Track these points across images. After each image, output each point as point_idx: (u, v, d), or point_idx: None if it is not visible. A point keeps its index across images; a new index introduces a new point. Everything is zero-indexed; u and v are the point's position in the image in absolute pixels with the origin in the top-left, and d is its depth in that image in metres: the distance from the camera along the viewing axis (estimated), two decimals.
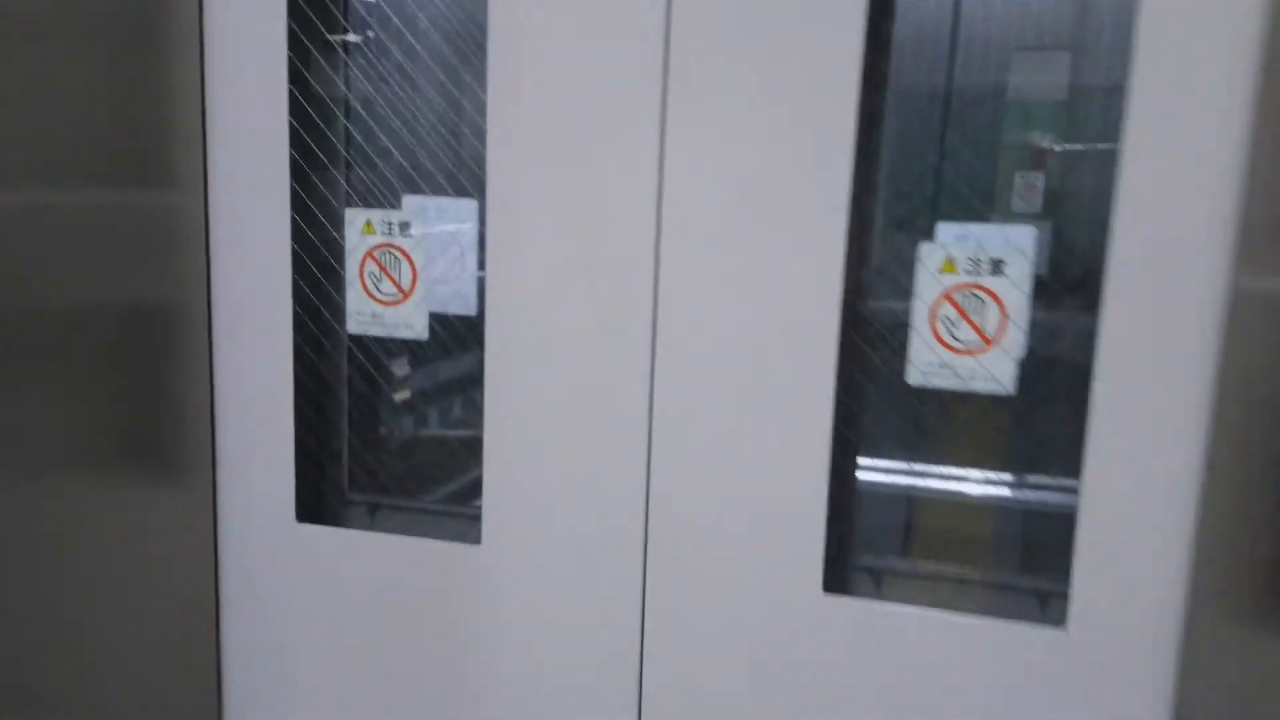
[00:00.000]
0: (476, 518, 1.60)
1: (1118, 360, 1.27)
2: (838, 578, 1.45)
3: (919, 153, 1.48)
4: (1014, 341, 1.31)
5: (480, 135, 1.57)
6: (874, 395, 1.47)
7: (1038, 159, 1.44)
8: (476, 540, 1.58)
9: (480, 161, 1.56)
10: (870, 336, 1.45)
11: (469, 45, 1.66)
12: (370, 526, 1.71)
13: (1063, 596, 1.34)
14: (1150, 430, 1.27)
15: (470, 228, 1.65)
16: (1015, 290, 1.30)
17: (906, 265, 1.37)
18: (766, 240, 1.38)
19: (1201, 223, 1.23)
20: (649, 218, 1.43)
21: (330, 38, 1.69)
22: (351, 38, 1.72)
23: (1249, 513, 1.22)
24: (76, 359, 1.50)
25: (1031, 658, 1.34)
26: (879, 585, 1.46)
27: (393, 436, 1.86)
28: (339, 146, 1.72)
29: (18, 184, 1.39)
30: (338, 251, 1.70)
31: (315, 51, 1.67)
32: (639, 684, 1.53)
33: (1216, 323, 1.24)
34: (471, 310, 1.66)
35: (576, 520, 1.51)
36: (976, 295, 1.31)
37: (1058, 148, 1.42)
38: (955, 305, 1.33)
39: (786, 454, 1.40)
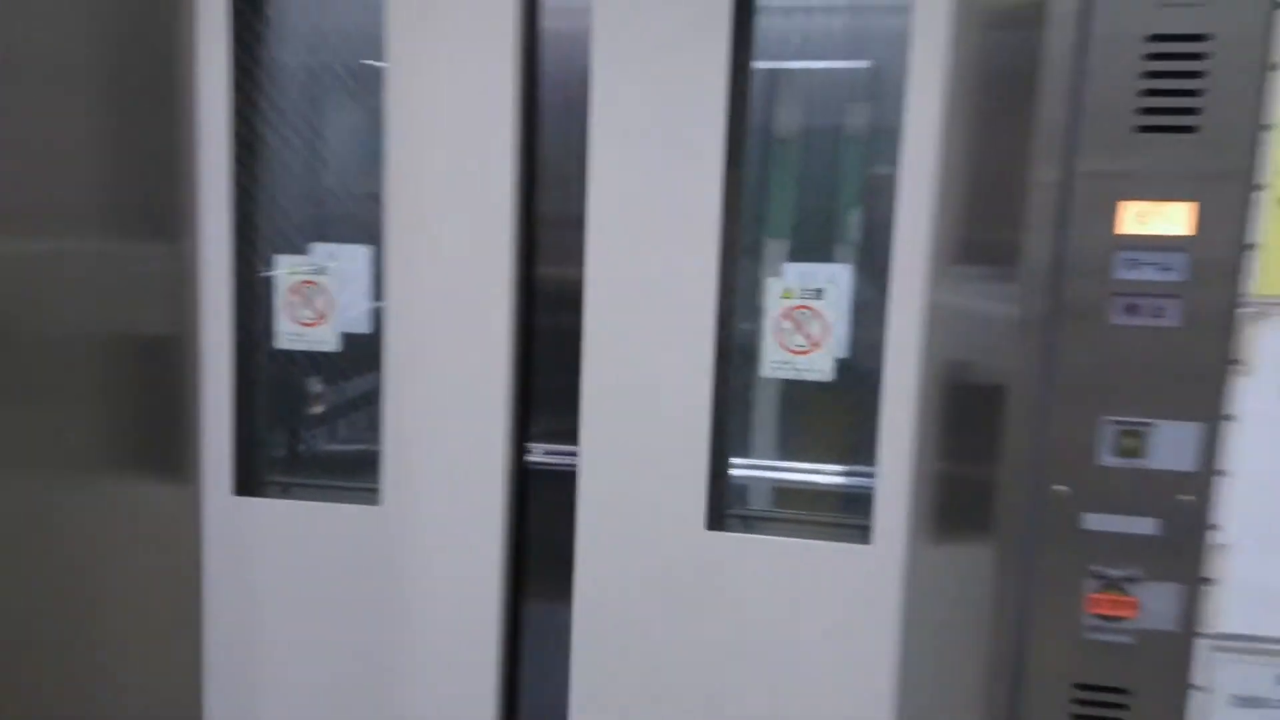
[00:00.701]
0: (368, 490, 2.02)
1: (894, 358, 1.75)
2: (716, 520, 1.91)
3: (780, 203, 1.89)
4: (832, 345, 1.81)
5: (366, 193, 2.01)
6: (739, 384, 1.92)
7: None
8: (377, 503, 2.00)
9: (370, 214, 1.97)
10: (738, 341, 1.89)
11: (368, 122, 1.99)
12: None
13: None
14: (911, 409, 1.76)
15: (366, 267, 2.02)
16: (832, 309, 1.80)
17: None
18: (646, 265, 1.82)
19: (920, 245, 1.70)
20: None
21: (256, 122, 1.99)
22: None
23: (939, 466, 1.69)
24: (95, 379, 1.77)
25: (853, 566, 1.85)
26: (749, 526, 1.95)
27: (303, 434, 2.20)
28: (259, 200, 2.04)
29: (60, 235, 1.65)
30: (265, 288, 2.03)
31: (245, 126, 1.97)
32: (502, 601, 1.98)
33: (923, 324, 1.71)
34: (366, 329, 2.03)
35: (457, 483, 1.96)
36: (805, 313, 1.81)
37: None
38: (792, 320, 1.82)
39: (676, 430, 1.85)
